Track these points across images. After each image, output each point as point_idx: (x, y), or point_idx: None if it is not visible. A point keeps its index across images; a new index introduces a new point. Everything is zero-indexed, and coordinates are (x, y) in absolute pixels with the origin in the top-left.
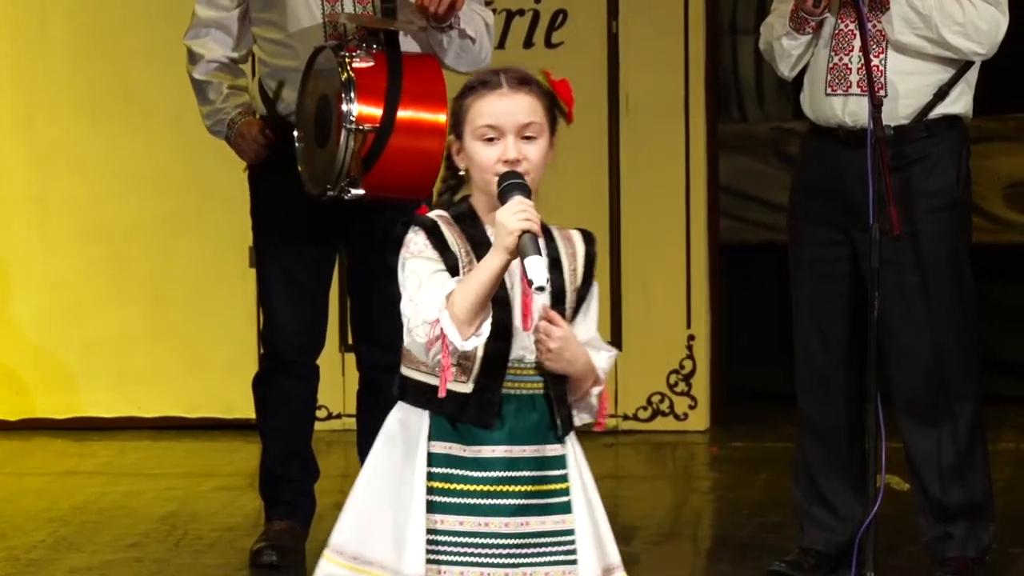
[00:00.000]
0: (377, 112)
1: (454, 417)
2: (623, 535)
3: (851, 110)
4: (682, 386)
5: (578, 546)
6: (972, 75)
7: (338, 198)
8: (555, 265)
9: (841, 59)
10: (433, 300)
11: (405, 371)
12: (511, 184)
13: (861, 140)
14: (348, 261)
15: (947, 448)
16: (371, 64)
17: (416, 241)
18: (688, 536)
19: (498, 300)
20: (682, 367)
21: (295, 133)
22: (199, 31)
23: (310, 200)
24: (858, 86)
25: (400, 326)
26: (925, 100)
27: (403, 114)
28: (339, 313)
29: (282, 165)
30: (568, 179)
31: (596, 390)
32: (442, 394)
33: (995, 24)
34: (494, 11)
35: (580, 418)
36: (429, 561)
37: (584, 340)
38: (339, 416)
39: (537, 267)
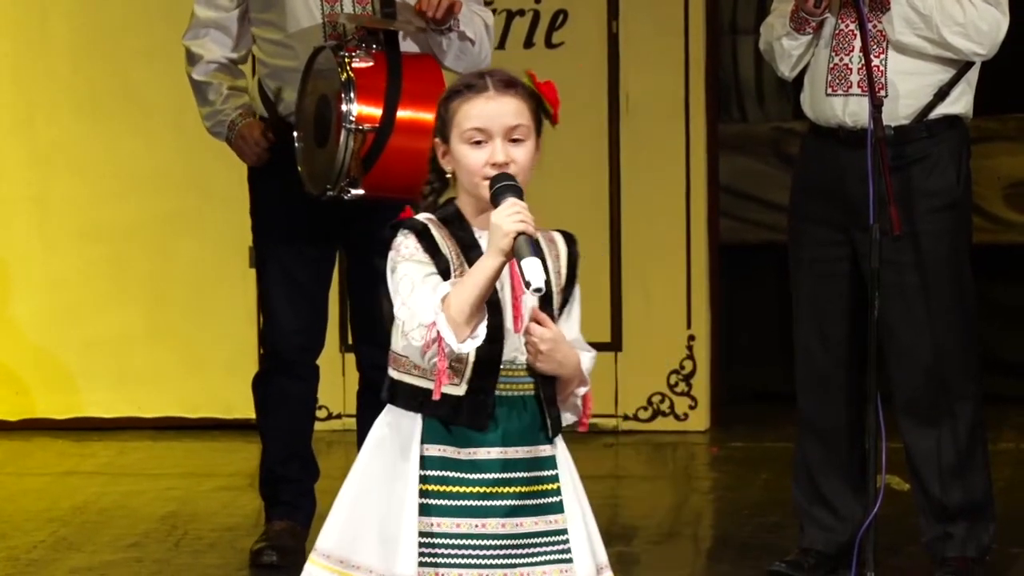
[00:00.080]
0: (377, 112)
1: (448, 420)
2: (623, 535)
3: (851, 110)
4: (682, 386)
5: (572, 545)
6: (972, 75)
7: (338, 198)
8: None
9: (842, 59)
10: (428, 304)
11: (395, 375)
12: (504, 186)
13: (861, 140)
14: (348, 261)
15: (947, 448)
16: (371, 64)
17: (407, 244)
18: (688, 536)
19: (489, 302)
20: (682, 367)
21: (295, 133)
22: (198, 31)
23: (310, 200)
24: (858, 86)
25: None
26: (925, 100)
27: (403, 114)
28: (339, 313)
29: (282, 165)
30: (568, 179)
31: (581, 390)
32: (436, 397)
33: (996, 25)
34: (494, 11)
35: (564, 418)
36: (427, 564)
37: (567, 341)
38: (339, 416)
39: (535, 269)
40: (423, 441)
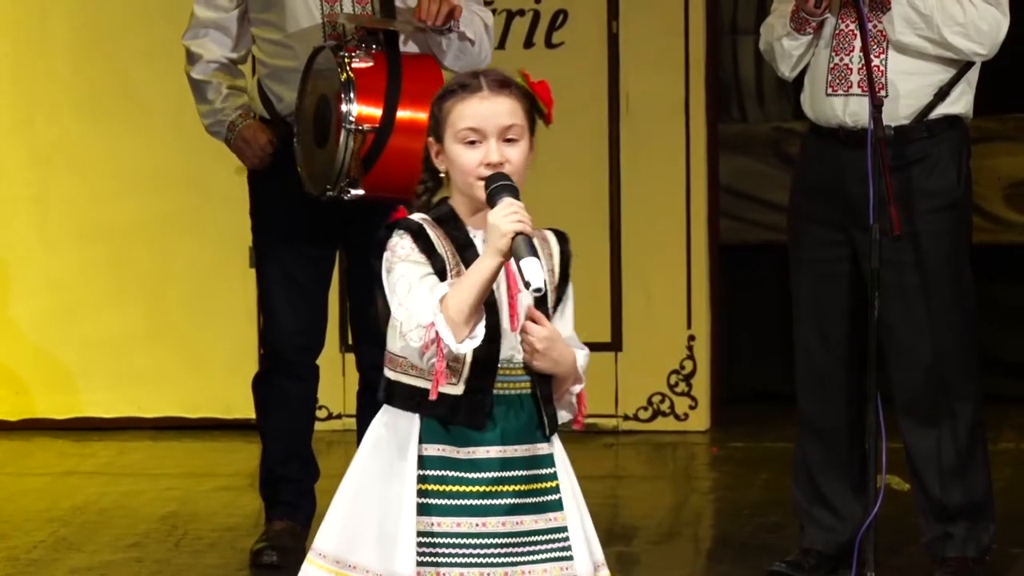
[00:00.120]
0: (377, 112)
1: (446, 419)
2: (623, 535)
3: (852, 110)
4: (682, 386)
5: (572, 542)
6: (973, 75)
7: (338, 198)
8: None
9: (842, 59)
10: (426, 304)
11: (391, 375)
12: (500, 186)
13: (861, 140)
14: (348, 261)
15: (947, 448)
16: (370, 64)
17: (402, 245)
18: (688, 536)
19: (485, 302)
20: (682, 367)
21: (294, 134)
22: (198, 31)
23: (310, 200)
24: (859, 86)
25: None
26: (926, 100)
27: (403, 114)
28: (339, 313)
29: (282, 166)
30: (568, 179)
31: (576, 388)
32: (433, 397)
33: (996, 25)
34: (494, 11)
35: (560, 416)
36: (428, 564)
37: (563, 338)
38: (339, 416)
39: (534, 269)
40: (421, 441)
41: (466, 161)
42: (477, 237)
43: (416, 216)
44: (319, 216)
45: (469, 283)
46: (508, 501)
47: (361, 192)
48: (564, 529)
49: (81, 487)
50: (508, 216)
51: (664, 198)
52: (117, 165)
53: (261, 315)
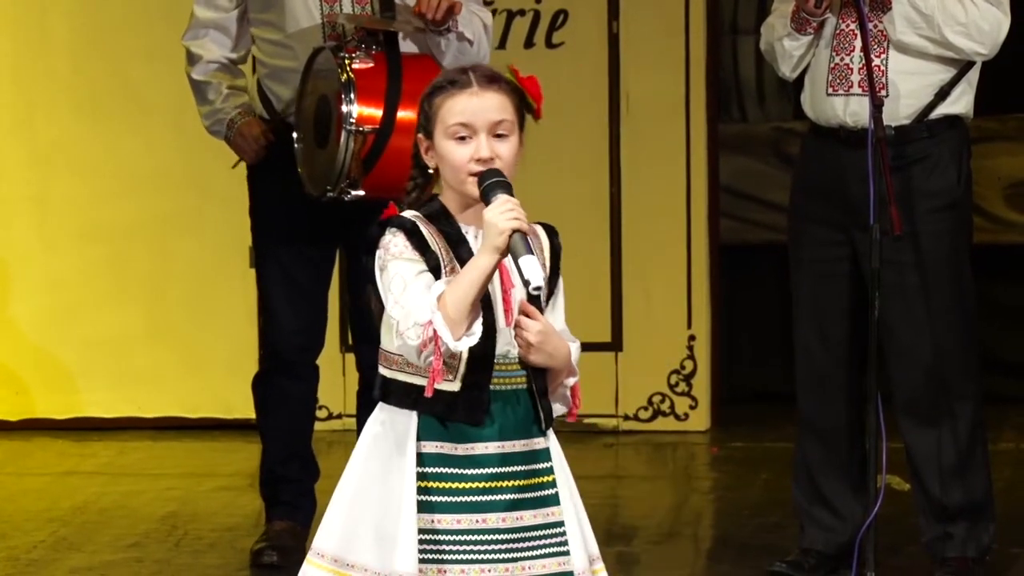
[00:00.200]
0: (377, 113)
1: (443, 416)
2: (623, 535)
3: (852, 110)
4: (683, 386)
5: (568, 536)
6: (973, 75)
7: (338, 199)
8: None
9: (842, 59)
10: (423, 302)
11: (386, 373)
12: (494, 183)
13: (862, 140)
14: (347, 261)
15: (947, 448)
16: (370, 65)
17: (395, 243)
18: (688, 536)
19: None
20: (683, 367)
21: (294, 134)
22: (198, 32)
23: (310, 200)
24: (859, 86)
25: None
26: (926, 100)
27: (403, 115)
28: (339, 313)
29: (281, 166)
30: (568, 179)
31: (570, 381)
32: (429, 394)
33: (997, 24)
34: (494, 12)
35: (555, 409)
36: (430, 561)
37: (556, 332)
38: (339, 416)
39: (533, 267)
40: (419, 438)
41: (456, 157)
42: (469, 233)
43: (408, 213)
44: (319, 216)
45: (467, 280)
46: (508, 497)
47: (361, 193)
48: (561, 524)
49: (81, 487)
50: (505, 214)
51: (664, 198)
52: (117, 165)
53: (261, 315)
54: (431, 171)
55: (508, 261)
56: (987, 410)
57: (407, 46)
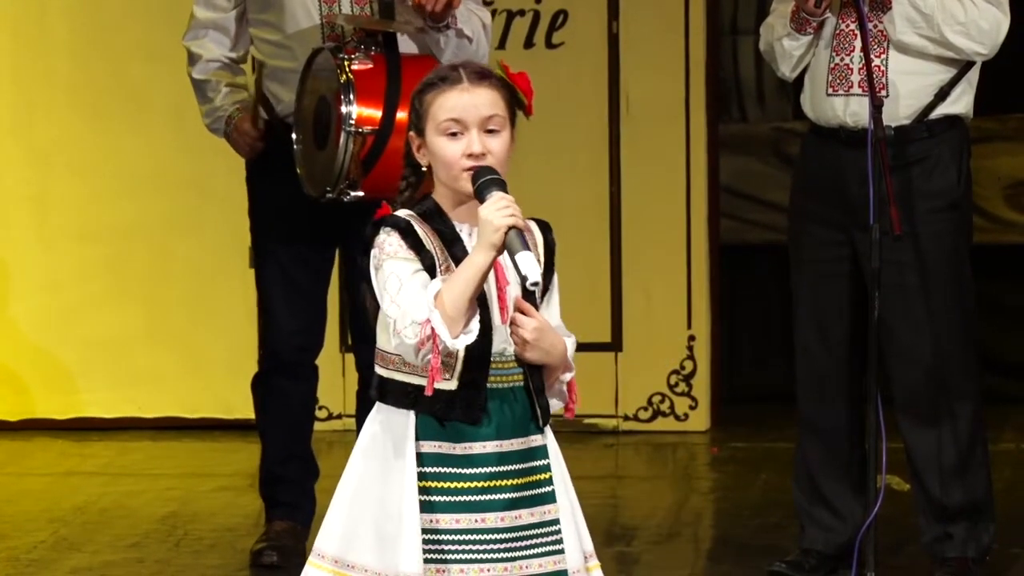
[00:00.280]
0: (376, 114)
1: (441, 415)
2: (623, 535)
3: (852, 110)
4: (683, 386)
5: (564, 535)
6: (973, 75)
7: (337, 200)
8: None
9: (842, 59)
10: (420, 301)
11: (383, 372)
12: (489, 180)
13: (862, 140)
14: (346, 262)
15: (947, 448)
16: (369, 66)
17: (390, 242)
18: (688, 536)
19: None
20: (683, 367)
21: (293, 135)
22: (197, 32)
23: (309, 201)
24: (859, 86)
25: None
26: (926, 100)
27: (402, 116)
28: (339, 313)
29: (281, 166)
30: (568, 179)
31: (566, 376)
32: (429, 393)
33: (996, 24)
34: (494, 12)
35: (552, 405)
36: (430, 560)
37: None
38: (339, 416)
39: (530, 263)
40: (417, 438)
41: (448, 153)
42: (463, 231)
43: (402, 212)
44: (318, 217)
45: (463, 278)
46: (506, 496)
47: (360, 194)
48: (557, 522)
49: (81, 487)
50: (500, 211)
51: (664, 198)
52: (117, 165)
53: (260, 315)
54: (423, 169)
55: (503, 258)
56: (987, 410)
57: (406, 45)
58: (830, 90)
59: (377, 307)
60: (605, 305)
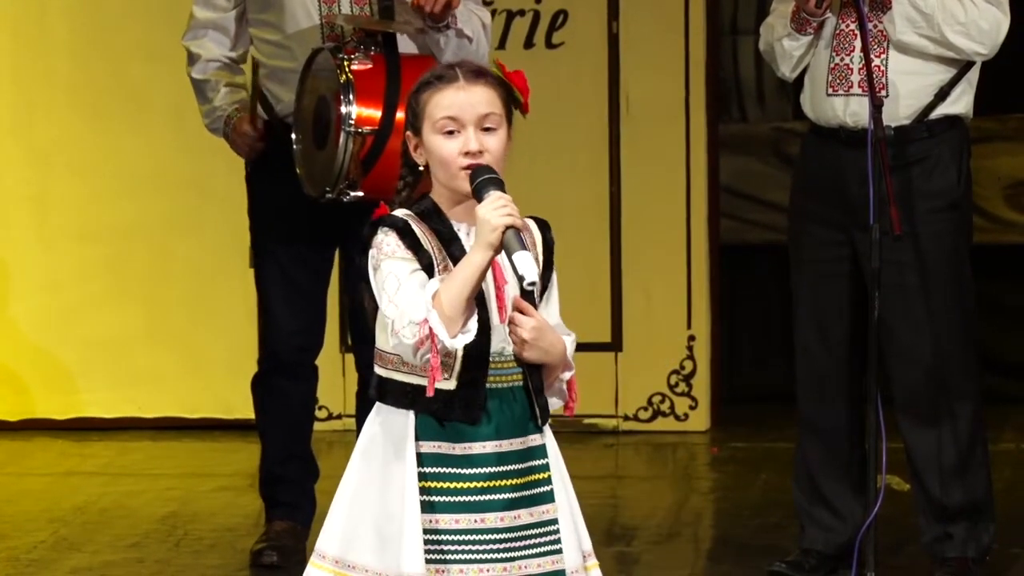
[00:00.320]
0: (376, 114)
1: (440, 415)
2: (623, 535)
3: (852, 110)
4: (683, 386)
5: (562, 534)
6: (973, 75)
7: (337, 200)
8: None
9: (842, 59)
10: (418, 301)
11: (383, 372)
12: (486, 179)
13: (862, 140)
14: (346, 262)
15: (947, 448)
16: (369, 66)
17: (388, 242)
18: (688, 536)
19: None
20: (683, 367)
21: (293, 135)
22: (197, 32)
23: (309, 201)
24: (859, 86)
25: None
26: (926, 100)
27: (402, 116)
28: (338, 313)
29: (280, 166)
30: (568, 179)
31: (566, 375)
32: (430, 393)
33: (997, 24)
34: (494, 12)
35: (551, 404)
36: (430, 560)
37: (551, 327)
38: (339, 416)
39: (527, 263)
40: (417, 438)
41: (445, 151)
42: (461, 230)
43: (399, 212)
44: (318, 217)
45: (461, 277)
46: (506, 496)
47: (360, 194)
48: (555, 522)
49: (81, 487)
50: (498, 210)
51: (664, 198)
52: (117, 165)
53: (260, 316)
54: (421, 169)
55: (500, 258)
56: (987, 410)
57: (406, 45)
58: (830, 90)
59: (376, 307)
60: (605, 305)
